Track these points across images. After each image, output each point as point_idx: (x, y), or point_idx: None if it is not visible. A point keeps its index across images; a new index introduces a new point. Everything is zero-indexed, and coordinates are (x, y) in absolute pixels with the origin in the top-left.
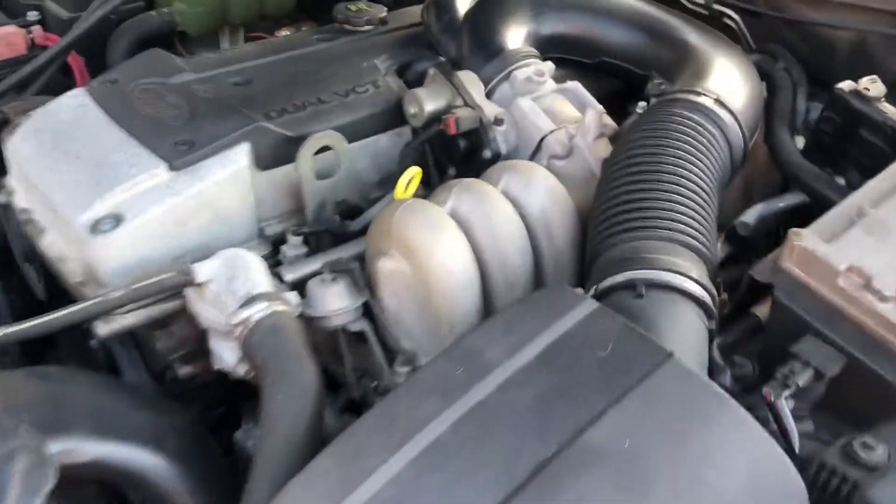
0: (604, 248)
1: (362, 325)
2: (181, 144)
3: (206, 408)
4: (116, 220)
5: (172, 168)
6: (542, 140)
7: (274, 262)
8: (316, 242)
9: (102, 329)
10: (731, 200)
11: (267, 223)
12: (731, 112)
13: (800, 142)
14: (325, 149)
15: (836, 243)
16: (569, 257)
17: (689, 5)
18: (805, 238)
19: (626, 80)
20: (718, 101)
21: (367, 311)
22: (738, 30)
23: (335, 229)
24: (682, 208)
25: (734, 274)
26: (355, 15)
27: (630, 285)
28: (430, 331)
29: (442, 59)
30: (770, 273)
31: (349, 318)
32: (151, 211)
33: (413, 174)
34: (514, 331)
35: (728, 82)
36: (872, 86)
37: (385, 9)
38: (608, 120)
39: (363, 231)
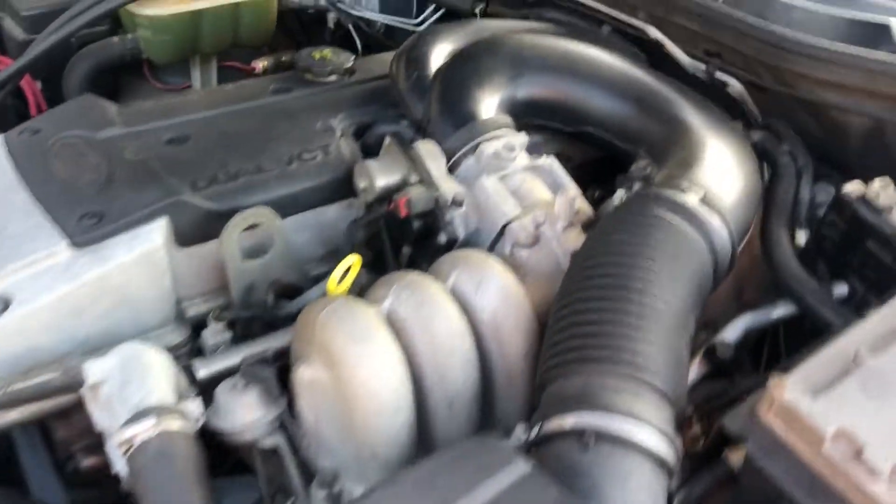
0: (554, 375)
1: (276, 441)
2: (89, 217)
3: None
4: (4, 303)
5: (74, 245)
6: (505, 226)
7: (194, 347)
8: (244, 327)
9: None
10: (720, 297)
11: (189, 302)
12: (719, 213)
13: (801, 236)
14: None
15: (825, 397)
16: (523, 371)
17: (690, 71)
18: (788, 389)
19: (610, 152)
20: (705, 201)
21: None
22: (742, 103)
23: (264, 315)
24: (649, 338)
25: (715, 389)
26: (318, 64)
27: (577, 433)
28: (351, 453)
29: (404, 122)
30: (745, 424)
31: (261, 433)
32: (43, 297)
33: (350, 264)
34: (429, 496)
35: (720, 174)
36: (884, 192)
37: (352, 57)
38: (583, 205)
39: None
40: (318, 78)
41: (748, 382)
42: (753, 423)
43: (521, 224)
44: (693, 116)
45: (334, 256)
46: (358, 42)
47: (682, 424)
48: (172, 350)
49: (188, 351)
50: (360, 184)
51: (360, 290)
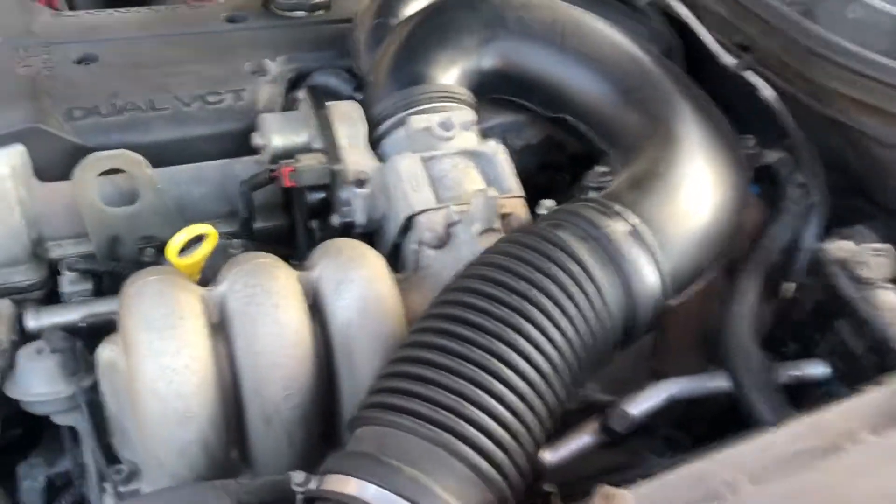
0: (366, 417)
1: (74, 420)
2: None
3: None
4: None
5: None
6: (410, 219)
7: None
8: (112, 281)
9: None
10: (681, 345)
11: (54, 243)
12: (649, 253)
13: (789, 289)
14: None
15: None
16: None
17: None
18: None
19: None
20: (636, 234)
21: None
22: (774, 112)
23: (120, 271)
24: (486, 399)
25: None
26: None
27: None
28: (145, 453)
29: (345, 74)
30: None
31: (56, 408)
32: None
33: (200, 232)
34: None
35: (676, 201)
36: (875, 260)
37: None
38: (518, 207)
39: None
40: (280, 11)
41: (650, 465)
42: None
43: (428, 219)
44: (681, 121)
45: (236, 217)
46: None
47: None
48: (22, 292)
49: (44, 295)
50: (258, 140)
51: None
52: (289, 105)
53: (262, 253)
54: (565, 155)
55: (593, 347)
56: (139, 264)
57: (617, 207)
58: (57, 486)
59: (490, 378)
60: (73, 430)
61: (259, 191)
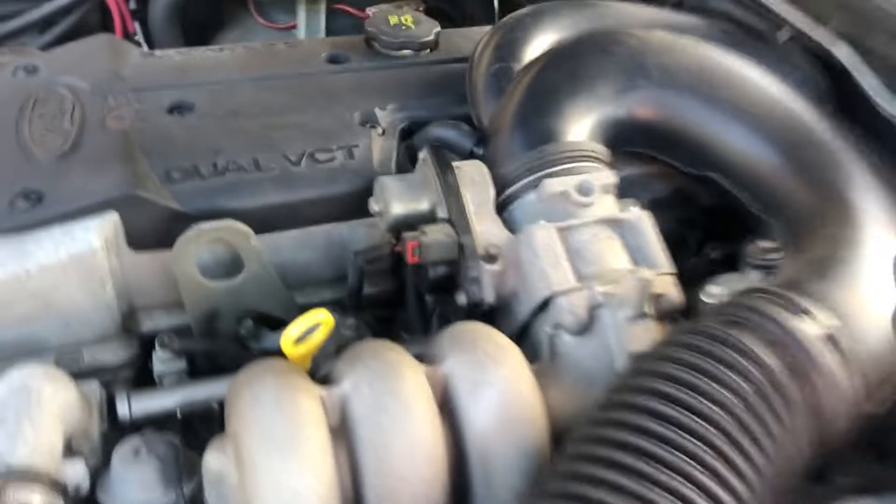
0: None
1: None
2: (26, 197)
3: None
4: None
5: None
6: (547, 300)
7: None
8: (208, 359)
9: None
10: None
11: (147, 314)
12: (844, 361)
13: None
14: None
15: None
16: None
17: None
18: None
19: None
20: (832, 340)
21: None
22: None
23: (221, 351)
24: None
25: None
26: (390, 32)
27: None
28: None
29: (465, 128)
30: None
31: None
32: None
33: (316, 320)
34: None
35: (875, 299)
36: None
37: (437, 27)
38: (669, 286)
39: (280, 356)
40: (385, 50)
41: None
42: None
43: (569, 301)
44: (858, 190)
45: (341, 283)
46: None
47: None
48: (112, 371)
49: (137, 372)
50: (374, 206)
51: (338, 349)
52: (402, 161)
53: (384, 343)
54: (698, 209)
55: (778, 474)
56: (237, 339)
57: (804, 304)
58: None
59: None
60: None
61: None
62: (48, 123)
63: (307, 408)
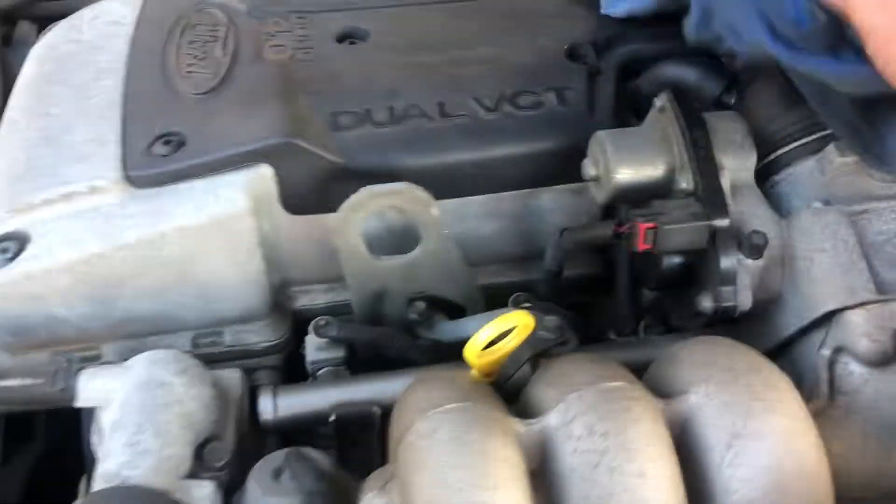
0: None
1: None
2: (165, 141)
3: None
4: (18, 244)
5: (129, 181)
6: (832, 313)
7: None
8: (368, 349)
9: None
10: None
11: (301, 289)
12: None
13: None
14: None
15: None
16: None
17: None
18: None
19: None
20: None
21: None
22: None
23: (387, 342)
24: None
25: None
26: None
27: None
28: None
29: (708, 67)
30: None
31: None
32: (65, 253)
33: (513, 322)
34: None
35: None
36: None
37: None
38: None
39: (455, 348)
40: None
41: None
42: None
43: (866, 320)
44: None
45: (536, 265)
46: None
47: None
48: (258, 355)
49: (285, 357)
50: (590, 170)
51: (537, 356)
52: (625, 111)
53: (604, 363)
54: None
55: None
56: (406, 325)
57: None
58: None
59: None
60: None
61: (548, 227)
62: (198, 51)
63: (499, 453)
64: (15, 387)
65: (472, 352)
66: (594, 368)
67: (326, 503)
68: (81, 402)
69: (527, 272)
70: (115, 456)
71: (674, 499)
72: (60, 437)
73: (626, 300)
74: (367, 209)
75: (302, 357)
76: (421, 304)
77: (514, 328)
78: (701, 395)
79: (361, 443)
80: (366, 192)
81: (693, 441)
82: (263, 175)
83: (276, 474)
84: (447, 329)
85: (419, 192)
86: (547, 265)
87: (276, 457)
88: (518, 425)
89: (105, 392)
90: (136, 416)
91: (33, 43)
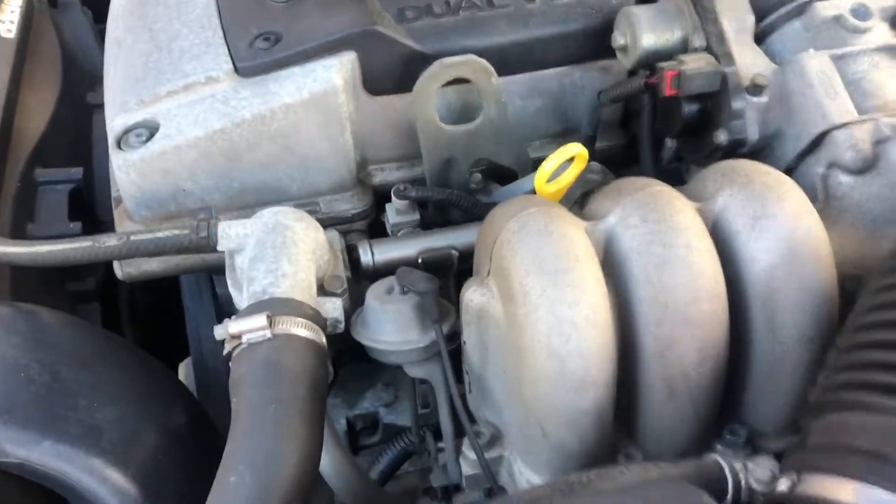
0: (840, 400)
1: (428, 373)
2: (264, 38)
3: None
4: (149, 131)
5: (239, 72)
6: (823, 135)
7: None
8: (439, 210)
9: (120, 272)
10: None
11: (377, 167)
12: None
13: None
14: (463, 80)
15: None
16: (798, 362)
17: None
18: None
19: None
20: None
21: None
22: None
23: (461, 200)
24: None
25: None
26: None
27: None
28: (518, 419)
29: None
30: None
31: (409, 359)
32: (191, 131)
33: (571, 154)
34: None
35: None
36: None
37: None
38: None
39: None
40: None
41: None
42: None
43: (849, 135)
44: None
45: (574, 137)
46: None
47: None
48: (347, 222)
49: (368, 225)
50: (619, 39)
51: (585, 194)
52: None
53: (649, 179)
54: None
55: None
56: (469, 192)
57: None
58: (357, 429)
59: None
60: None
61: (579, 105)
62: None
63: (577, 237)
64: (165, 237)
65: (540, 178)
66: (639, 182)
67: (436, 300)
68: (222, 245)
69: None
70: (259, 280)
71: (712, 264)
72: None
73: (649, 151)
74: (440, 79)
75: (383, 225)
76: (477, 175)
77: (573, 159)
78: (727, 196)
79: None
80: (438, 64)
81: (723, 229)
82: (349, 59)
83: (389, 290)
84: (502, 192)
85: (482, 63)
86: (584, 130)
87: (387, 279)
88: (588, 225)
89: (240, 237)
90: (272, 250)
91: (79, 3)
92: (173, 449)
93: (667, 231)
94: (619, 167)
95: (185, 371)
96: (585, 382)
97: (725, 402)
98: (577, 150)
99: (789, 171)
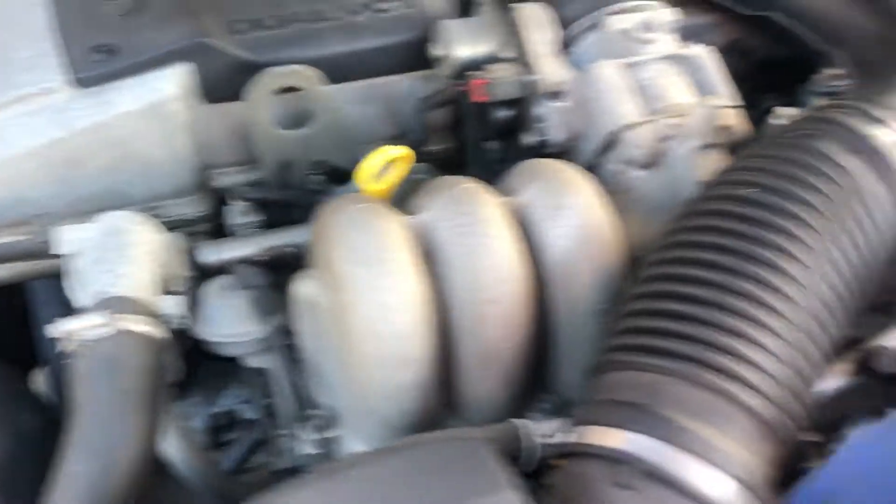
0: (616, 361)
1: (267, 362)
2: (100, 50)
3: None
4: None
5: (77, 82)
6: (614, 135)
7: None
8: (280, 212)
9: None
10: None
11: (219, 171)
12: None
13: None
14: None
15: None
16: (593, 333)
17: None
18: None
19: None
20: None
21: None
22: None
23: (295, 200)
24: (765, 338)
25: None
26: None
27: (616, 460)
28: (348, 399)
29: None
30: None
31: (248, 350)
32: (30, 141)
33: (391, 155)
34: None
35: None
36: None
37: None
38: (735, 119)
39: None
40: None
41: None
42: None
43: (636, 135)
44: None
45: (406, 141)
46: None
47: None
48: (190, 225)
49: (214, 227)
50: (437, 51)
51: (411, 192)
52: (460, 7)
53: (462, 178)
54: (752, 62)
55: (865, 275)
56: (309, 193)
57: (877, 112)
58: (216, 427)
59: (766, 315)
60: (254, 370)
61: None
62: None
63: (395, 230)
64: (4, 243)
65: (363, 175)
66: (453, 180)
67: (268, 296)
68: (62, 249)
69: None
70: (98, 281)
71: (514, 250)
72: None
73: (473, 153)
74: (270, 87)
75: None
76: (319, 177)
77: (395, 161)
78: (530, 191)
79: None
80: (267, 73)
81: (527, 220)
82: (185, 70)
83: (226, 286)
84: (340, 192)
85: (309, 71)
86: (413, 135)
87: (225, 277)
88: (407, 219)
89: (80, 241)
90: (111, 252)
91: None
92: (25, 454)
93: (474, 223)
94: (455, 169)
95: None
96: (405, 360)
97: (539, 375)
98: (397, 151)
99: (592, 168)
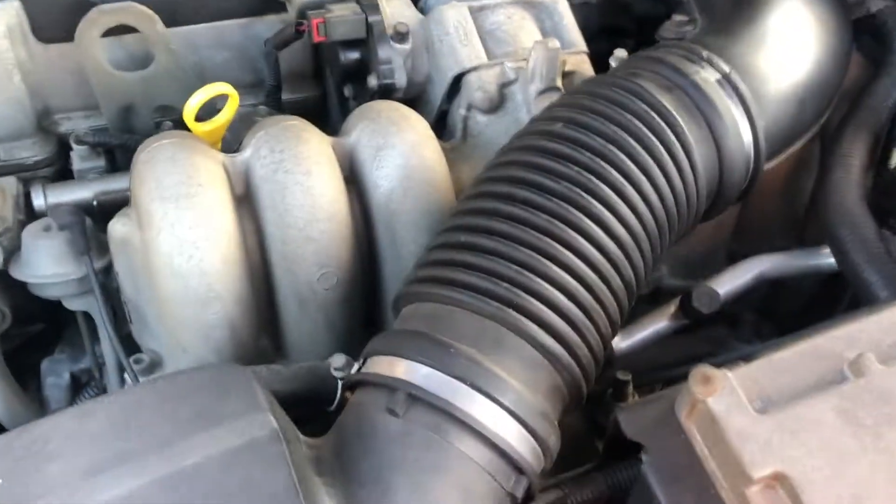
0: (412, 293)
1: (88, 305)
2: None
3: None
4: None
5: None
6: (458, 78)
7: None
8: (126, 156)
9: None
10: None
11: (63, 115)
12: (742, 103)
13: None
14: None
15: (778, 416)
16: None
17: None
18: (720, 393)
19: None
20: (727, 82)
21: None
22: None
23: (135, 145)
24: (556, 272)
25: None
26: None
27: (390, 388)
28: (167, 336)
29: None
30: (646, 429)
31: (67, 291)
32: None
33: (219, 92)
34: (112, 443)
35: (772, 52)
36: None
37: None
38: (582, 64)
39: None
40: None
41: (740, 352)
42: (659, 431)
43: (479, 78)
44: None
45: (262, 88)
46: None
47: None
48: (30, 169)
49: (57, 172)
50: None
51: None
52: None
53: (291, 116)
54: (631, 17)
55: (676, 215)
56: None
57: (705, 53)
58: (82, 383)
59: (558, 246)
60: (90, 319)
61: (288, 59)
62: None
63: (203, 165)
64: None
65: (187, 114)
66: (277, 118)
67: (86, 240)
68: None
69: (258, 96)
70: None
71: (331, 188)
72: None
73: (333, 99)
74: (101, 25)
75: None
76: (168, 123)
77: (225, 100)
78: (359, 130)
79: None
80: (96, 10)
81: (355, 160)
82: (14, 6)
83: (46, 228)
84: None
85: (143, 9)
86: (267, 81)
87: (45, 219)
88: (224, 158)
89: None
90: None
91: None
92: None
93: (290, 159)
94: (316, 118)
95: None
96: (209, 298)
97: (371, 315)
98: (223, 88)
99: (444, 113)
